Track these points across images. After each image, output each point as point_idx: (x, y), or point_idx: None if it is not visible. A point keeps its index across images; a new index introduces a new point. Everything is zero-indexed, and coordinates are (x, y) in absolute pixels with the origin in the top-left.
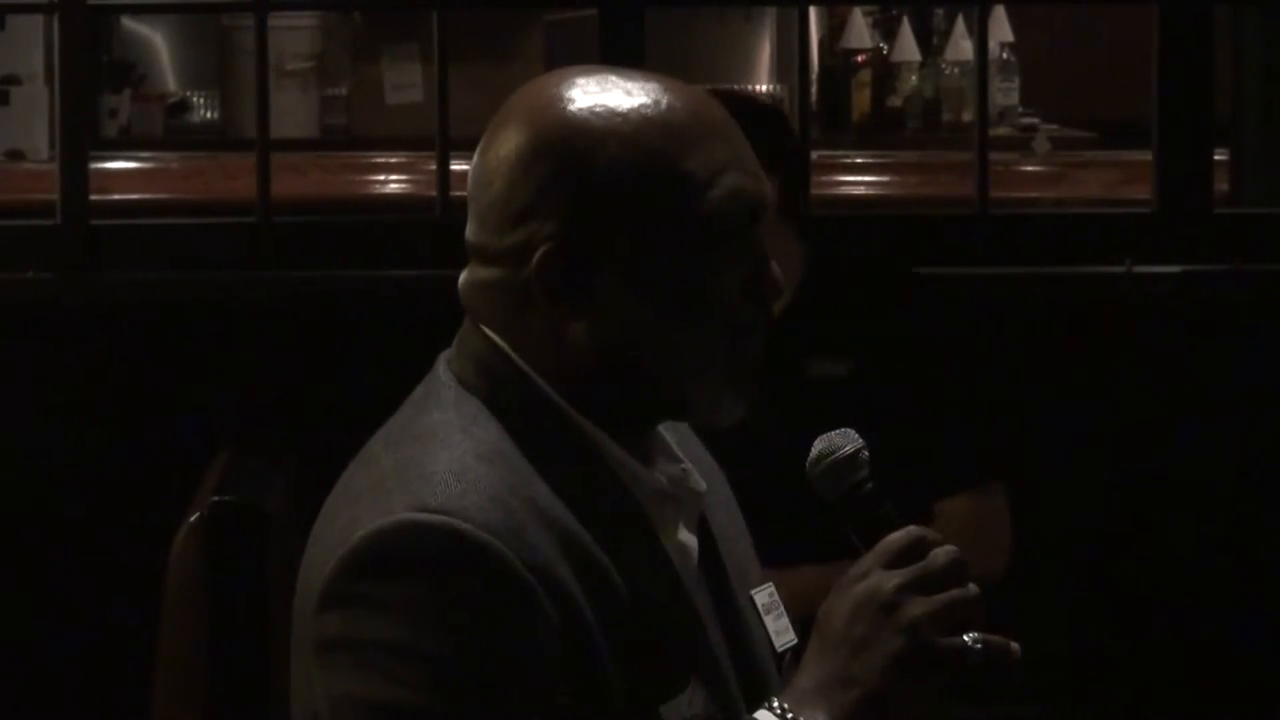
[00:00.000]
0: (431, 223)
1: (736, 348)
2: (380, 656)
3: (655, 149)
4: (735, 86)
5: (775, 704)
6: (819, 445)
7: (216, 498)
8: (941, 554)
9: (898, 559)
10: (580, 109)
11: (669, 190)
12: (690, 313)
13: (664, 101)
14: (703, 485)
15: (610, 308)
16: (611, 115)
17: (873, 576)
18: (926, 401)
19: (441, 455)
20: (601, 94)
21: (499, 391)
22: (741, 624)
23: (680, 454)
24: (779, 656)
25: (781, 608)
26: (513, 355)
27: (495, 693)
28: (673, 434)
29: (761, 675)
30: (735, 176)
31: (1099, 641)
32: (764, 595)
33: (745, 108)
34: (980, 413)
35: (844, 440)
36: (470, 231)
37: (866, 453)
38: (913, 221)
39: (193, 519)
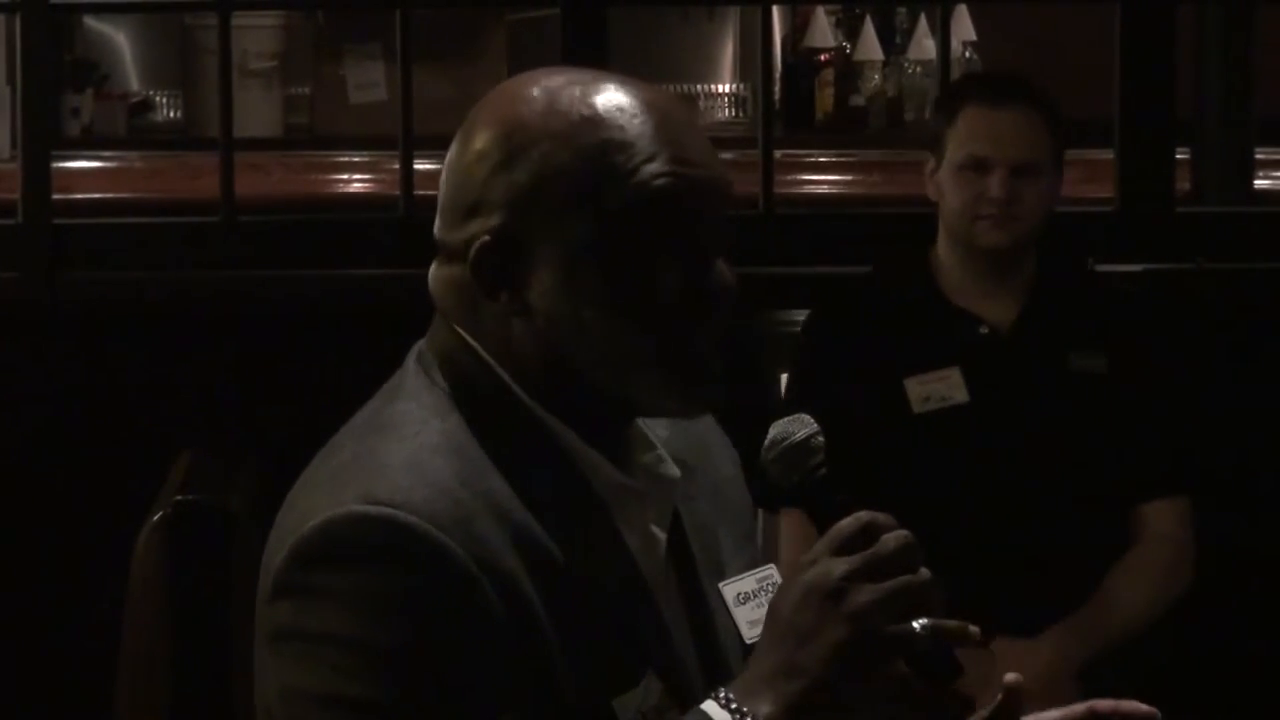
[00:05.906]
0: (395, 221)
1: (677, 346)
2: (326, 648)
3: (587, 145)
4: (699, 86)
5: (722, 694)
6: (772, 431)
7: (180, 497)
8: (891, 539)
9: (846, 545)
10: (528, 109)
11: (595, 186)
12: (622, 310)
13: (611, 100)
14: (675, 472)
15: (545, 304)
16: (553, 114)
17: (820, 564)
18: (1166, 403)
19: (397, 447)
20: (553, 94)
21: (462, 383)
22: (707, 616)
23: (655, 441)
24: (750, 648)
25: (764, 597)
26: (477, 348)
27: (439, 684)
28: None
29: (724, 668)
30: (661, 166)
31: None
32: (748, 584)
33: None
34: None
35: (797, 426)
36: (435, 227)
37: (821, 438)
38: (875, 220)
39: (156, 518)
